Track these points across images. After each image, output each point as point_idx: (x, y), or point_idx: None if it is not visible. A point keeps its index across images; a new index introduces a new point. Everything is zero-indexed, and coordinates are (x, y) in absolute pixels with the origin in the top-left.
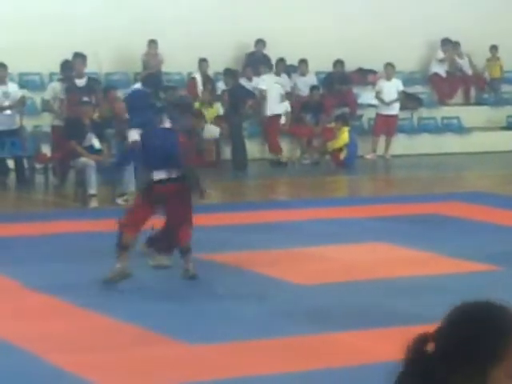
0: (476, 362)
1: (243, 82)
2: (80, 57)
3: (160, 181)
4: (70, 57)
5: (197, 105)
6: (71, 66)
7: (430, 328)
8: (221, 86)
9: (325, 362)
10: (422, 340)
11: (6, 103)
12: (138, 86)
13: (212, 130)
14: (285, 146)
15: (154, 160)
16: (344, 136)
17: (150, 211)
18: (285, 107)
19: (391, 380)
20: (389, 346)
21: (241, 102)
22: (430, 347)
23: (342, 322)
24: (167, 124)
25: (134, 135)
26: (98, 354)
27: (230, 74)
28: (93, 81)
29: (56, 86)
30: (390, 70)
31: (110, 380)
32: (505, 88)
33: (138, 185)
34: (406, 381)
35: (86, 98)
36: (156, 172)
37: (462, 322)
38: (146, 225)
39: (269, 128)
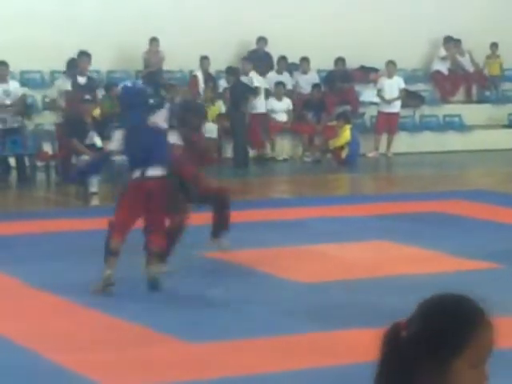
0: (440, 353)
1: (244, 79)
2: (85, 55)
3: (147, 177)
4: (71, 55)
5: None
6: (77, 64)
7: None
8: (222, 83)
9: (327, 360)
10: (396, 328)
11: (7, 101)
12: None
13: (211, 129)
14: (286, 143)
15: (140, 158)
16: (346, 134)
17: (136, 212)
18: (286, 105)
19: None
20: None
21: (242, 100)
22: (403, 335)
23: (343, 320)
24: (160, 122)
25: (116, 140)
26: (99, 352)
27: (231, 71)
28: (93, 79)
29: (62, 83)
30: (391, 67)
31: (111, 378)
32: (506, 86)
33: (122, 185)
34: (382, 368)
35: (87, 96)
36: (140, 170)
37: (429, 314)
38: (132, 227)
39: (253, 124)
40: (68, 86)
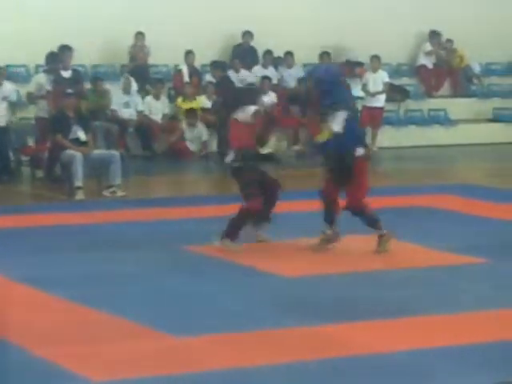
0: None
1: (231, 74)
2: (67, 49)
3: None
4: (56, 49)
5: (180, 98)
6: (57, 58)
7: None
8: (208, 78)
9: (311, 354)
10: None
11: (3, 105)
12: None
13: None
14: (271, 138)
15: (356, 139)
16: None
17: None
18: (272, 99)
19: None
20: (375, 338)
21: (229, 95)
22: None
23: (328, 314)
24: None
25: (341, 122)
26: (83, 346)
27: (218, 66)
28: (78, 72)
29: (41, 78)
30: (375, 62)
31: (95, 372)
32: (492, 80)
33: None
34: None
35: (70, 90)
36: (362, 147)
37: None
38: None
39: None
40: (48, 81)
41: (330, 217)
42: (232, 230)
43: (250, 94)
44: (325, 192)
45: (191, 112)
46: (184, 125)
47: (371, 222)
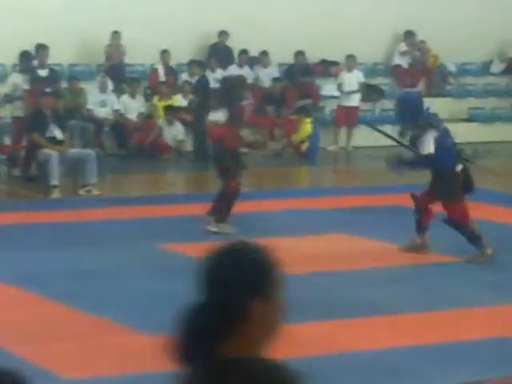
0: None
1: (207, 73)
2: (42, 48)
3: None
4: (31, 48)
5: (157, 97)
6: (31, 57)
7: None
8: (184, 77)
9: (290, 353)
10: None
11: None
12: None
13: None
14: (247, 137)
15: (453, 156)
16: (306, 128)
17: None
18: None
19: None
20: (349, 336)
21: (207, 94)
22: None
23: (302, 313)
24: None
25: (430, 142)
26: (55, 343)
27: (197, 64)
28: (55, 71)
29: (16, 78)
30: (350, 61)
31: (66, 369)
32: (467, 80)
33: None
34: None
35: (48, 89)
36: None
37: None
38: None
39: None
40: (24, 80)
41: (420, 225)
42: (224, 214)
43: (229, 94)
44: (420, 201)
45: (170, 109)
46: (161, 122)
47: (471, 238)
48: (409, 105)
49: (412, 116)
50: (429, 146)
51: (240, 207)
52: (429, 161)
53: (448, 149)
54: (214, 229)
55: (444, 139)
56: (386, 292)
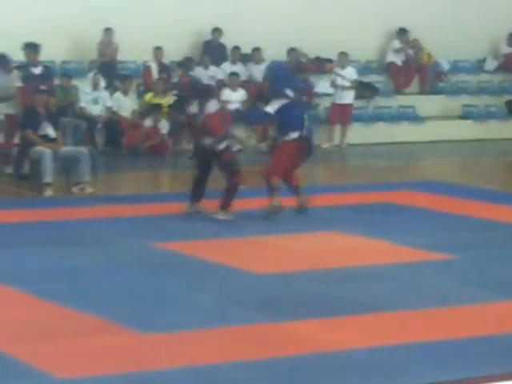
0: None
1: (200, 71)
2: (31, 46)
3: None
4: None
5: (151, 94)
6: (6, 60)
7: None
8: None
9: (276, 351)
10: None
11: None
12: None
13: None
14: (241, 134)
15: (293, 124)
16: None
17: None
18: (241, 96)
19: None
20: (339, 335)
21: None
22: None
23: (293, 311)
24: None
25: (275, 105)
26: (46, 342)
27: (181, 65)
28: (49, 68)
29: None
30: (343, 58)
31: (58, 369)
32: (460, 77)
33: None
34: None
35: (42, 87)
36: (292, 133)
37: None
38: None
39: None
40: (18, 77)
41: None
42: (228, 203)
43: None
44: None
45: (156, 107)
46: (149, 121)
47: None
48: (275, 75)
49: (277, 84)
50: (272, 107)
51: (233, 205)
52: (266, 117)
53: (292, 116)
54: (221, 217)
55: (292, 106)
56: (374, 290)
